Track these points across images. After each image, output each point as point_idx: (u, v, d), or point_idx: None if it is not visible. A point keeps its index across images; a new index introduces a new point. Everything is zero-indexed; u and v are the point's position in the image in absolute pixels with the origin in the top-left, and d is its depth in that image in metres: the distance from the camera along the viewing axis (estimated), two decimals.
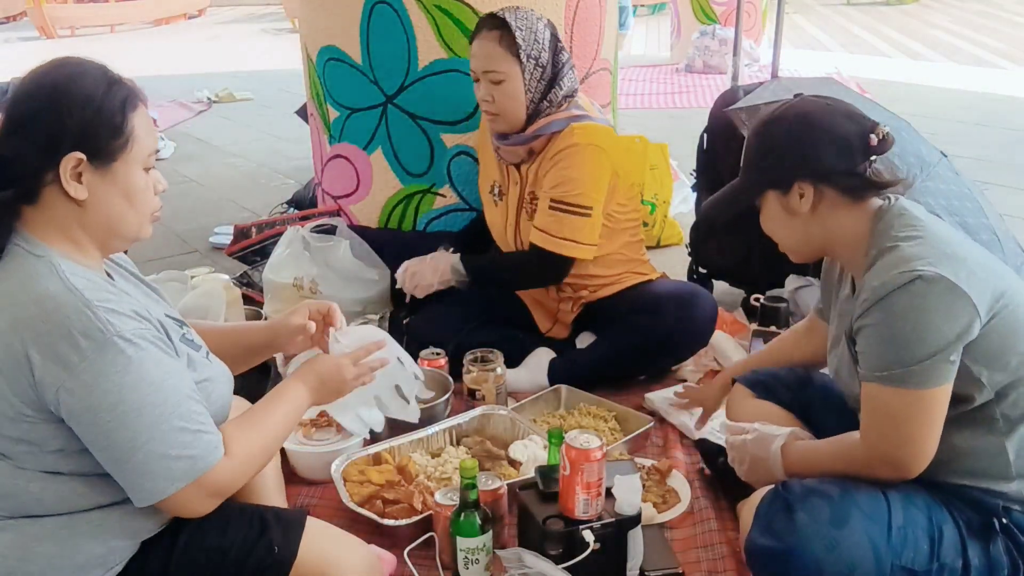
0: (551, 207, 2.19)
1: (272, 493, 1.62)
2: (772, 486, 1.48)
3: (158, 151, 1.34)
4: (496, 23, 2.18)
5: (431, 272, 2.30)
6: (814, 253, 1.58)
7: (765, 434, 1.58)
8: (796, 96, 1.55)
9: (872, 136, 1.44)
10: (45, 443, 1.19)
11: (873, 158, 1.46)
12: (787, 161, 1.48)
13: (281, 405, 1.40)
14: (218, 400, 1.36)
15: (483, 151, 2.51)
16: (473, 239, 2.61)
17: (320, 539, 1.35)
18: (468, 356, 2.23)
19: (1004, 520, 1.38)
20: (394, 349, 1.58)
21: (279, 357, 2.08)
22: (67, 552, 1.22)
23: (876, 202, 1.48)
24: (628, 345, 2.30)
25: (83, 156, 1.20)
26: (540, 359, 2.38)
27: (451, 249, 2.43)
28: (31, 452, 1.20)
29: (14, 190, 1.21)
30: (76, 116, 1.20)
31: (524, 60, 2.16)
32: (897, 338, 1.33)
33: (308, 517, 1.36)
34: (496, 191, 2.44)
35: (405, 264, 2.36)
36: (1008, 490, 1.39)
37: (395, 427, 2.05)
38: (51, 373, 1.14)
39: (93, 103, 1.21)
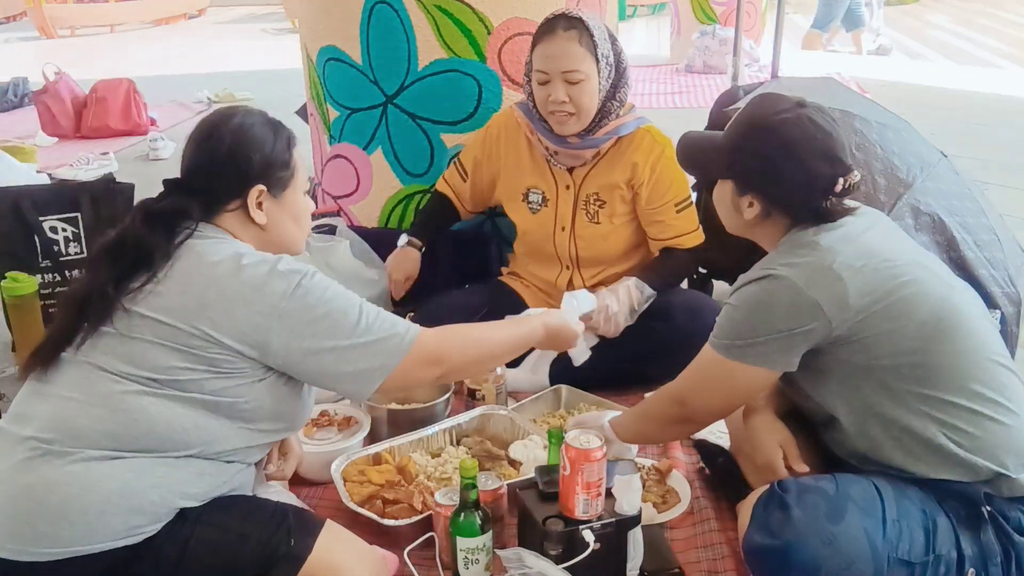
0: (679, 210, 2.31)
1: (279, 494, 1.66)
2: (767, 485, 1.49)
3: (311, 178, 1.53)
4: (572, 23, 2.15)
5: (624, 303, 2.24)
6: (739, 234, 1.68)
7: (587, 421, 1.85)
8: (801, 105, 1.55)
9: (840, 180, 1.50)
10: (216, 365, 1.36)
11: (832, 199, 1.51)
12: (754, 172, 1.56)
13: (511, 326, 1.71)
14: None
15: (508, 156, 2.43)
16: (438, 224, 2.64)
17: (335, 543, 1.40)
18: None
19: (989, 508, 1.40)
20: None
21: None
22: (127, 494, 1.29)
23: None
24: (634, 350, 2.29)
25: (264, 187, 1.48)
26: (541, 359, 2.38)
27: (417, 244, 2.53)
28: (190, 377, 1.35)
29: (198, 206, 1.45)
30: (259, 155, 1.47)
31: (600, 59, 2.16)
32: (735, 317, 1.51)
33: (328, 521, 1.44)
34: (537, 198, 2.39)
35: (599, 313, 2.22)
36: (974, 476, 1.40)
37: (396, 426, 2.06)
38: (268, 303, 1.36)
39: (268, 144, 1.49)
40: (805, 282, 1.42)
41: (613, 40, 2.23)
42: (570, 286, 2.42)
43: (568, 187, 2.34)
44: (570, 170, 2.33)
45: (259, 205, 1.48)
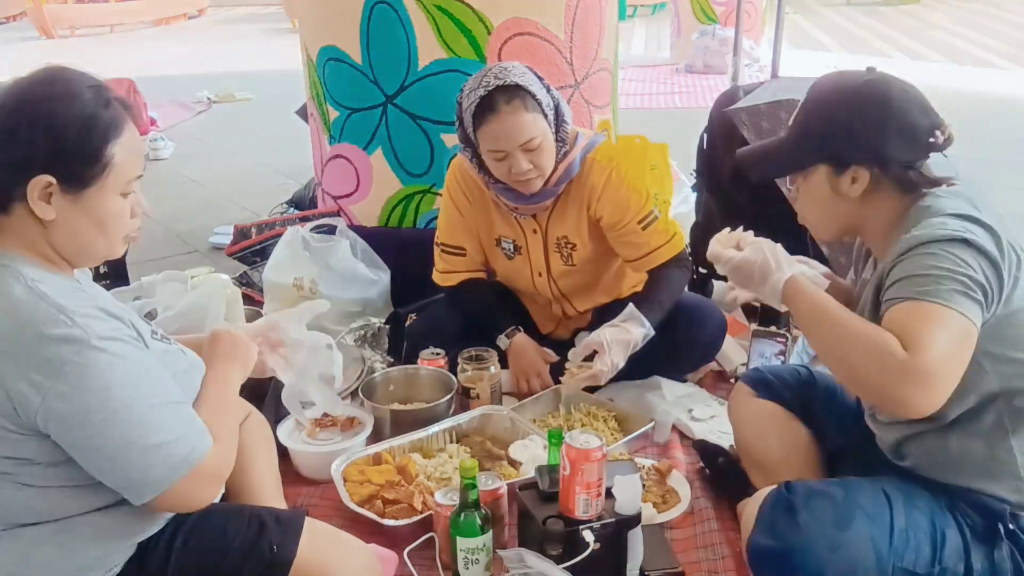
0: (644, 227, 2.19)
1: (270, 493, 1.62)
2: (774, 486, 1.48)
3: (141, 175, 1.30)
4: (511, 93, 1.99)
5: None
6: (838, 234, 1.53)
7: (780, 255, 1.49)
8: (871, 70, 1.47)
9: (938, 132, 1.40)
10: (34, 457, 1.19)
11: (929, 155, 1.42)
12: (853, 142, 1.42)
13: (227, 385, 1.40)
14: (197, 390, 1.37)
15: (475, 208, 2.31)
16: (501, 302, 2.45)
17: (319, 539, 1.35)
18: (462, 355, 2.21)
19: (1011, 526, 1.38)
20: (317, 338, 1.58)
21: None
22: (65, 555, 1.22)
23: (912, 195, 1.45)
24: (633, 353, 2.28)
25: (52, 179, 1.18)
26: None
27: (515, 331, 2.32)
28: (21, 466, 1.19)
29: None
30: (51, 140, 1.17)
31: (547, 114, 2.05)
32: (935, 268, 1.29)
33: (307, 517, 1.37)
34: (509, 246, 2.33)
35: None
36: (1017, 496, 1.38)
37: (399, 426, 2.06)
38: (34, 384, 1.13)
39: (71, 129, 1.18)
40: (991, 245, 1.32)
41: (540, 79, 2.09)
42: (564, 315, 2.42)
43: (535, 231, 2.28)
44: (534, 216, 2.26)
45: (47, 198, 1.19)
